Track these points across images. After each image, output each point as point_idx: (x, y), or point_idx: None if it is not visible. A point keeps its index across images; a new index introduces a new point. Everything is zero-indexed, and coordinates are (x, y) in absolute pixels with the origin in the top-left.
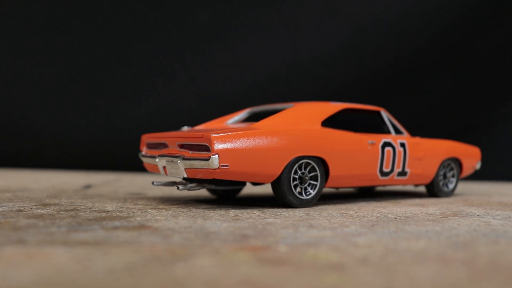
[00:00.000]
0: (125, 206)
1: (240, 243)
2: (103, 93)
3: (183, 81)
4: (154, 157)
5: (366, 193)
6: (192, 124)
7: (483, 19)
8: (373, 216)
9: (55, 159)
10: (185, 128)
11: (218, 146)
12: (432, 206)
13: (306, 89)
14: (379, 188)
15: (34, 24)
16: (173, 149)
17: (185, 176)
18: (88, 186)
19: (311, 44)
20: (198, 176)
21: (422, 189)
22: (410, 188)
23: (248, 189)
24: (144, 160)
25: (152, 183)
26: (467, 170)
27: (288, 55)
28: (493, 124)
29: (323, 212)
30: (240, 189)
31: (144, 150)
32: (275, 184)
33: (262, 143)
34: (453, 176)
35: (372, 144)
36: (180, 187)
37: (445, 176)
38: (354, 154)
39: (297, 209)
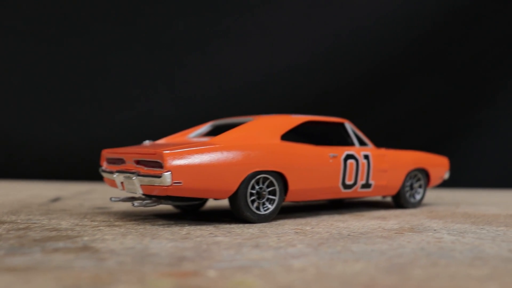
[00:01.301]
0: (80, 223)
1: (172, 268)
2: (80, 102)
3: (160, 90)
4: (112, 172)
5: (336, 204)
6: (167, 133)
7: (458, 27)
8: (327, 232)
9: (31, 169)
10: (147, 143)
11: (170, 162)
12: (393, 219)
13: (283, 98)
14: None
15: (9, 33)
16: (130, 165)
17: (141, 192)
18: (56, 199)
19: (288, 52)
20: (154, 193)
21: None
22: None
23: (215, 202)
24: (104, 175)
25: (110, 199)
26: (435, 181)
27: (265, 63)
28: (468, 131)
29: (278, 228)
30: (204, 202)
31: (104, 165)
32: (232, 199)
33: (217, 158)
34: (420, 186)
35: (334, 157)
36: (136, 203)
37: (411, 187)
38: (314, 168)
39: (254, 225)
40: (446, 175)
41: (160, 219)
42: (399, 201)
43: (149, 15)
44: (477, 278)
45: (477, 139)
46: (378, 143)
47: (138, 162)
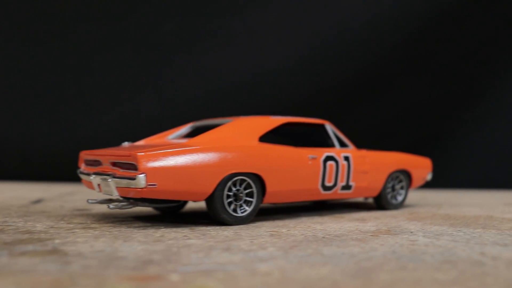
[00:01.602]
0: (56, 226)
1: (136, 271)
2: (66, 102)
3: (147, 90)
4: (89, 174)
5: (318, 206)
6: (154, 134)
7: (445, 27)
8: (302, 235)
9: (17, 170)
10: (125, 144)
11: (145, 164)
12: (372, 221)
13: (270, 98)
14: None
15: None
16: (107, 167)
17: (117, 194)
18: (37, 201)
19: (275, 53)
20: (130, 195)
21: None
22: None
23: (196, 203)
24: (82, 177)
25: (87, 201)
26: (417, 182)
27: (252, 64)
28: (456, 131)
29: (254, 231)
30: (184, 204)
31: (82, 167)
32: (209, 201)
33: (192, 160)
34: (402, 188)
35: (313, 158)
36: (111, 206)
37: (393, 189)
38: (292, 170)
39: (230, 227)
40: (429, 176)
41: (138, 221)
42: (380, 203)
43: (136, 15)
44: (442, 282)
45: (464, 139)
46: (365, 145)
47: (114, 164)
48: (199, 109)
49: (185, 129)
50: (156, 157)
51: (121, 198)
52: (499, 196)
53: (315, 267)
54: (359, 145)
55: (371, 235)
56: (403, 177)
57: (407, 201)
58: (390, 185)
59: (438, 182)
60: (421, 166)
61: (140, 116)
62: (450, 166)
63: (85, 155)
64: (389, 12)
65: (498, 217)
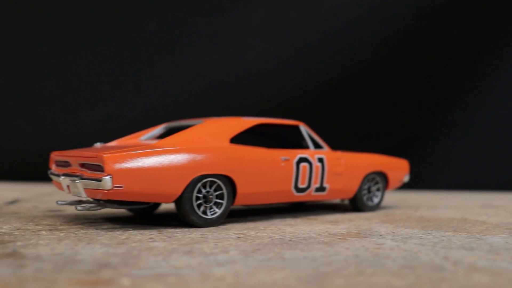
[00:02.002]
0: (23, 227)
1: (88, 275)
2: (47, 101)
3: (129, 90)
4: (59, 175)
5: (296, 207)
6: (130, 132)
7: (428, 29)
8: (269, 237)
9: None
10: (98, 145)
11: (111, 166)
12: (345, 223)
13: (252, 100)
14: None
15: None
16: (75, 168)
17: (85, 196)
18: (13, 202)
19: (257, 54)
20: (98, 197)
21: None
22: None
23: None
24: (52, 178)
25: (57, 202)
26: (394, 184)
27: (234, 65)
28: (439, 132)
29: (222, 233)
30: (157, 205)
31: (53, 168)
32: (178, 203)
33: (160, 162)
34: (378, 190)
35: (286, 160)
36: (79, 207)
37: (369, 190)
38: (264, 171)
39: (199, 229)
40: (406, 178)
41: (108, 223)
42: (356, 205)
43: (118, 15)
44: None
45: (447, 141)
46: (348, 146)
47: (82, 165)
48: (180, 109)
49: (158, 129)
50: (123, 159)
51: (90, 200)
52: (480, 198)
53: (272, 271)
54: (342, 146)
55: (339, 238)
56: (379, 179)
57: (385, 203)
58: (366, 187)
59: (420, 183)
60: (398, 168)
61: (122, 116)
62: (432, 167)
63: (55, 156)
64: (372, 13)
65: (472, 219)
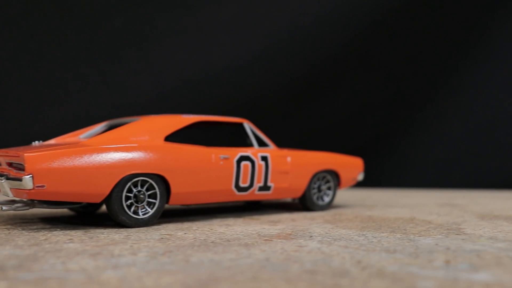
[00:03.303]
0: None
1: None
2: (12, 98)
3: (97, 87)
4: None
5: (253, 205)
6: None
7: (397, 25)
8: (194, 238)
9: None
10: (36, 143)
11: (32, 165)
12: (285, 223)
13: (219, 97)
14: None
15: None
16: (4, 167)
17: (12, 196)
18: None
19: (225, 51)
20: (23, 197)
21: None
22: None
23: None
24: None
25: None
26: (347, 182)
27: (202, 61)
28: (411, 129)
29: (148, 234)
30: (100, 205)
31: None
32: (107, 203)
33: (85, 161)
34: (329, 188)
35: (225, 158)
36: (4, 207)
37: (319, 189)
38: (200, 170)
39: (126, 230)
40: (360, 177)
41: (41, 223)
42: (305, 204)
43: (85, 10)
44: None
45: (418, 138)
46: (316, 144)
47: (10, 165)
48: (149, 106)
49: (100, 127)
50: (44, 158)
51: (24, 200)
52: (444, 196)
53: (163, 276)
54: (310, 144)
55: (265, 240)
56: (331, 177)
57: (342, 202)
58: (315, 185)
59: (390, 181)
60: (350, 166)
61: (88, 113)
62: (403, 165)
63: None
64: (340, 10)
65: (420, 219)
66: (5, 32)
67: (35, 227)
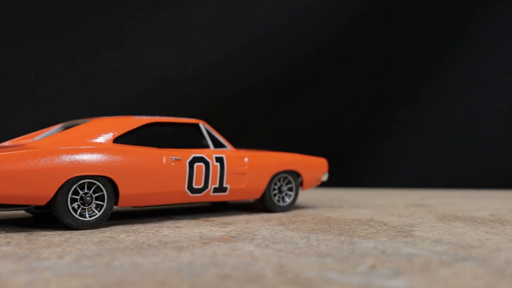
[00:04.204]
0: None
1: None
2: None
3: (76, 87)
4: None
5: (219, 206)
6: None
7: (376, 23)
8: (133, 241)
9: None
10: (6, 144)
11: None
12: (236, 225)
13: (197, 95)
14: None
15: None
16: None
17: None
18: None
19: (202, 50)
20: None
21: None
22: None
23: None
24: None
25: None
26: (310, 183)
27: (179, 60)
28: (391, 129)
29: (90, 236)
30: None
31: None
32: (53, 205)
33: (29, 163)
34: (290, 189)
35: (177, 160)
36: None
37: (280, 190)
38: (150, 172)
39: (71, 232)
40: (324, 177)
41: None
42: (265, 205)
43: (64, 10)
44: None
45: (398, 137)
46: (292, 143)
47: None
48: (126, 106)
49: (55, 129)
50: None
51: None
52: (417, 196)
53: (71, 280)
54: (287, 144)
55: (204, 243)
56: (292, 178)
57: (308, 202)
58: (276, 186)
59: (370, 181)
60: (313, 167)
61: (67, 114)
62: (382, 165)
63: None
64: (317, 7)
65: (377, 220)
66: None
67: None
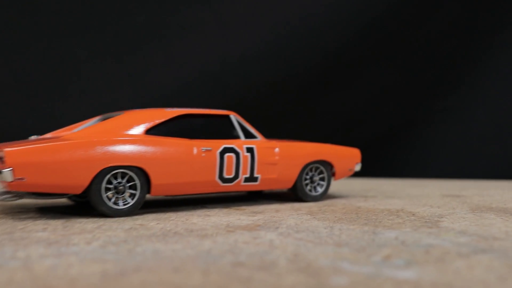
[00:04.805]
0: None
1: None
2: (48, 94)
3: (121, 80)
4: None
5: (256, 195)
6: None
7: (413, 11)
8: (160, 229)
9: None
10: (33, 138)
11: (12, 159)
12: (265, 214)
13: (236, 87)
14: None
15: None
16: None
17: (2, 188)
18: None
19: (241, 42)
20: (7, 188)
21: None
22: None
23: None
24: None
25: None
26: (342, 173)
27: (220, 53)
28: (430, 120)
29: (122, 223)
30: None
31: None
32: (88, 194)
33: (64, 154)
34: (322, 179)
35: (208, 150)
36: None
37: (312, 180)
38: (181, 162)
39: (104, 219)
40: (357, 167)
41: (32, 213)
42: (297, 194)
43: (108, 6)
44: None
45: (440, 127)
46: (334, 132)
47: (1, 159)
48: (170, 99)
49: (93, 121)
50: (24, 153)
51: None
52: (455, 186)
53: (93, 265)
54: (329, 132)
55: (228, 231)
56: (324, 168)
57: (343, 192)
58: (308, 176)
59: (411, 171)
60: (346, 157)
61: (115, 106)
62: (425, 154)
63: None
64: None
65: (407, 211)
66: (38, 33)
67: (25, 216)
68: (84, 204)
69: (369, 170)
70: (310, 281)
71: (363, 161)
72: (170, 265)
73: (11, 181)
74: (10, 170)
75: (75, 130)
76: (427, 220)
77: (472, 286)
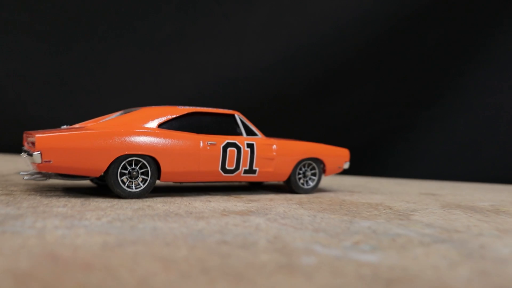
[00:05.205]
0: None
1: None
2: (83, 91)
3: (149, 85)
4: (24, 151)
5: (256, 186)
6: None
7: (406, 32)
8: (164, 210)
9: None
10: (64, 127)
11: (41, 144)
12: (260, 202)
13: (249, 92)
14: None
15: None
16: (29, 146)
17: (34, 169)
18: (16, 173)
19: (254, 53)
20: (40, 169)
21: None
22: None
23: None
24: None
25: (20, 173)
26: (332, 170)
27: (235, 61)
28: (417, 126)
29: (132, 204)
30: None
31: (25, 145)
32: (105, 177)
33: (85, 141)
34: (314, 174)
35: (212, 144)
36: (25, 177)
37: (305, 175)
38: (188, 153)
39: (120, 200)
40: (346, 165)
41: (59, 192)
42: (290, 187)
43: (139, 17)
44: (165, 258)
45: (425, 134)
46: (332, 136)
47: (32, 143)
48: (189, 100)
49: (116, 114)
50: (52, 139)
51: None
52: (434, 186)
53: (97, 236)
54: (327, 136)
55: (223, 215)
56: (316, 164)
57: (332, 187)
58: (301, 171)
59: (402, 171)
60: (336, 156)
61: (140, 105)
62: (410, 157)
63: (25, 135)
64: (355, 17)
65: (385, 205)
66: (79, 40)
67: (51, 194)
68: (104, 187)
69: (359, 169)
70: (282, 259)
71: (356, 161)
72: (163, 240)
73: (40, 163)
74: (39, 153)
75: (101, 121)
76: (401, 214)
77: (424, 270)
